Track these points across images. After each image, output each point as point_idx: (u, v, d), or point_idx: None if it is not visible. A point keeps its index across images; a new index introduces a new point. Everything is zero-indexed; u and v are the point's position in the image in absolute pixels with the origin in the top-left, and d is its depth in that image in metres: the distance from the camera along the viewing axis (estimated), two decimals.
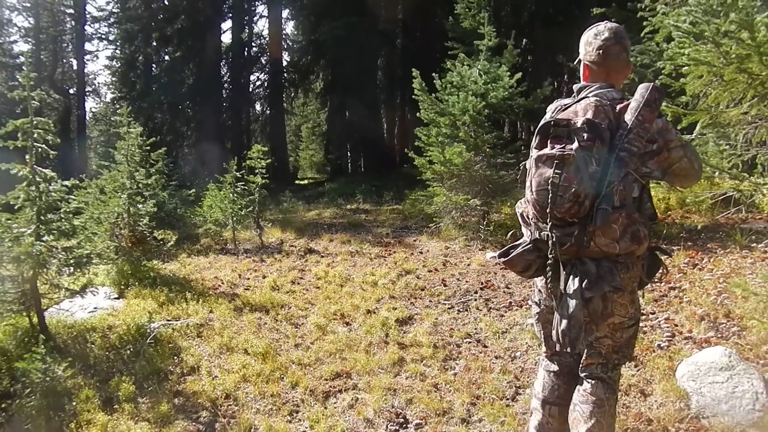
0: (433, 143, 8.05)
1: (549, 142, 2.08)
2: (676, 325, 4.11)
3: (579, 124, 2.03)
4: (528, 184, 2.13)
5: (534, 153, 2.11)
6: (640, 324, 4.15)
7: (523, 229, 2.31)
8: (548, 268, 2.15)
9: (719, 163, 4.94)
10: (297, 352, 4.45)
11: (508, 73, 7.72)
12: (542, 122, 2.14)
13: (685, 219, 6.15)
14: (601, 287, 2.10)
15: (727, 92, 4.84)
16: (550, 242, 2.11)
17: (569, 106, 2.17)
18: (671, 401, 3.18)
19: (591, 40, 2.29)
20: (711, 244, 5.45)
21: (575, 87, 2.31)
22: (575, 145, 2.01)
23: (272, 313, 5.36)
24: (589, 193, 2.00)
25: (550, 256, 2.13)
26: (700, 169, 2.18)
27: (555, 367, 2.48)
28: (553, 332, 2.19)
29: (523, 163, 2.55)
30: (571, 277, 2.12)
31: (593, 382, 2.30)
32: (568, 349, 2.20)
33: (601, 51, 2.24)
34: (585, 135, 2.01)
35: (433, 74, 8.36)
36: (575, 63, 2.41)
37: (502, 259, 2.28)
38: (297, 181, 25.62)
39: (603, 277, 2.10)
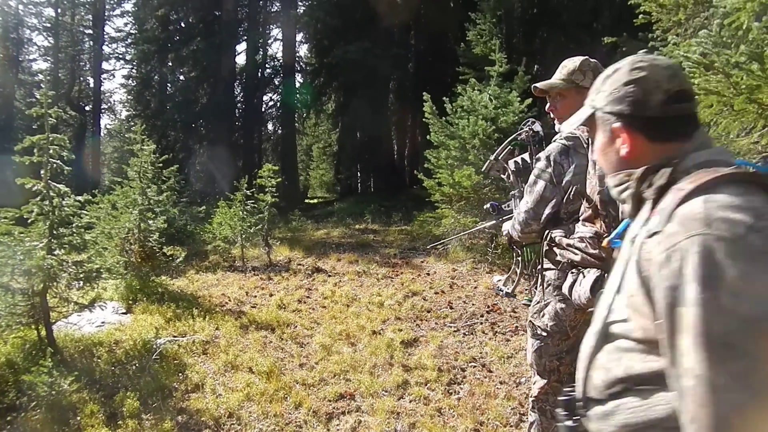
0: (443, 166, 8.10)
1: None
2: None
3: None
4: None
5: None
6: None
7: (573, 257, 2.18)
8: None
9: None
10: (301, 371, 4.44)
11: (519, 98, 7.79)
12: None
13: None
14: None
15: (737, 122, 4.86)
16: None
17: None
18: None
19: (602, 71, 2.34)
20: None
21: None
22: None
23: (278, 332, 5.36)
24: None
25: None
26: None
27: (549, 410, 2.43)
28: None
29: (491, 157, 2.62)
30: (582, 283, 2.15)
31: None
32: (566, 360, 2.23)
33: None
34: None
35: (444, 98, 8.45)
36: (568, 88, 2.41)
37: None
38: (307, 200, 25.73)
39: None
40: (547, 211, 2.31)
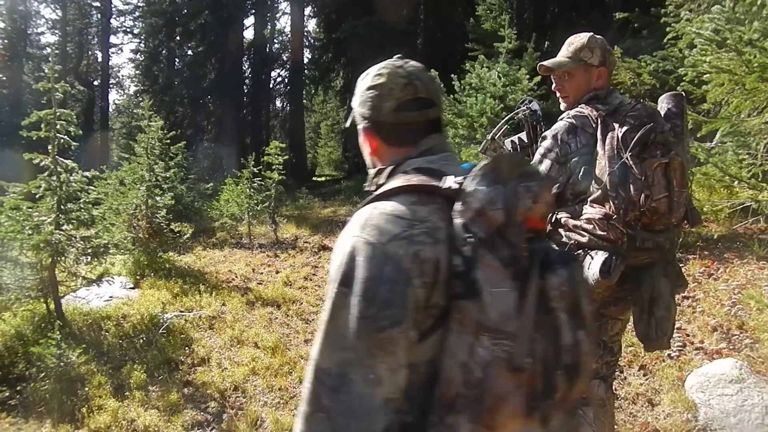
0: (450, 144, 8.06)
1: (649, 149, 2.03)
2: (688, 335, 4.07)
3: (666, 131, 2.06)
4: (640, 192, 1.99)
5: (635, 161, 2.01)
6: None
7: (580, 238, 2.15)
8: (655, 272, 2.11)
9: (738, 173, 4.89)
10: (306, 347, 4.48)
11: (527, 76, 7.69)
12: (643, 130, 2.02)
13: (702, 228, 6.07)
14: (685, 284, 2.25)
15: (748, 101, 4.78)
16: (660, 247, 2.10)
17: (628, 113, 2.10)
18: (679, 412, 3.16)
19: (609, 48, 2.32)
20: (728, 254, 5.38)
21: (600, 93, 2.26)
22: (676, 151, 2.05)
23: (284, 308, 5.41)
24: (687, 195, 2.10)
25: (656, 261, 2.12)
26: None
27: None
28: (646, 335, 2.13)
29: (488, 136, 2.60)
30: (663, 278, 2.12)
31: (596, 382, 2.30)
32: (665, 348, 2.26)
33: (614, 58, 2.32)
34: (674, 140, 2.07)
35: (452, 75, 8.36)
36: (565, 68, 2.35)
37: (606, 278, 2.04)
38: (314, 178, 25.73)
39: (683, 274, 2.25)
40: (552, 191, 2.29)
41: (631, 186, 2.02)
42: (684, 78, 5.00)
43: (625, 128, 2.05)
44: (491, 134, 2.76)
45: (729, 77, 4.47)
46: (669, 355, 3.81)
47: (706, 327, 4.10)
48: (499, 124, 2.77)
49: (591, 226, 2.11)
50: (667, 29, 6.03)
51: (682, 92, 2.21)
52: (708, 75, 4.68)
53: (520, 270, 0.98)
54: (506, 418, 0.96)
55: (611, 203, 2.06)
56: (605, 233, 2.08)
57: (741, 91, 4.66)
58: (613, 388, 2.42)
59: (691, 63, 4.81)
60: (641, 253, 2.10)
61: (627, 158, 2.02)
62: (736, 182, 5.01)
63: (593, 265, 2.10)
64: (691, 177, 2.27)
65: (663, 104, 2.16)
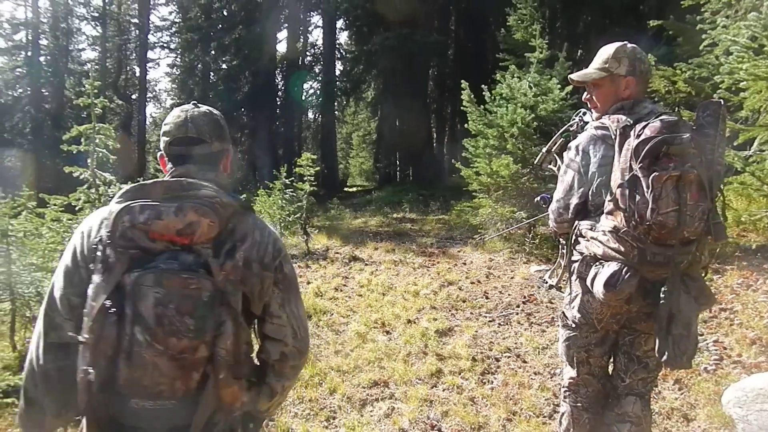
0: (481, 155, 8.02)
1: (660, 161, 2.00)
2: (725, 348, 3.97)
3: (685, 142, 1.99)
4: (647, 205, 1.97)
5: (644, 173, 1.99)
6: None
7: (596, 250, 2.17)
8: (671, 288, 2.04)
9: None
10: (337, 358, 4.51)
11: (559, 86, 7.63)
12: (653, 142, 1.99)
13: (741, 237, 5.91)
14: (712, 300, 2.17)
15: None
16: (676, 262, 2.04)
17: (648, 124, 2.05)
18: (715, 428, 3.07)
19: (640, 56, 2.28)
20: (767, 265, 5.23)
21: (626, 103, 2.25)
22: (692, 163, 1.98)
23: (314, 319, 5.45)
24: (710, 209, 2.02)
25: (674, 277, 2.05)
26: None
27: (581, 402, 2.42)
28: (665, 353, 2.07)
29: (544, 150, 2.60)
30: (684, 293, 2.07)
31: (632, 399, 2.27)
32: (686, 367, 2.15)
33: (646, 67, 2.29)
34: (694, 152, 2.00)
35: (483, 86, 8.34)
36: (595, 78, 2.34)
37: (612, 291, 2.08)
38: (346, 189, 25.91)
39: (710, 291, 2.17)
40: (575, 201, 2.27)
41: (638, 199, 2.00)
42: (720, 86, 4.90)
43: (640, 139, 2.01)
44: (547, 147, 2.77)
45: (766, 84, 4.37)
46: (705, 368, 3.72)
47: (744, 340, 3.98)
48: (554, 137, 2.77)
49: (606, 238, 2.12)
50: (703, 36, 5.92)
51: (721, 100, 2.16)
52: (745, 82, 4.58)
53: (109, 266, 1.31)
54: None
55: (621, 215, 2.06)
56: (616, 245, 2.09)
57: None
58: (650, 406, 2.36)
59: (727, 70, 4.72)
60: (654, 267, 2.07)
61: (636, 170, 2.00)
62: None
63: (599, 276, 2.12)
64: (722, 187, 2.17)
65: (699, 113, 2.12)
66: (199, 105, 1.66)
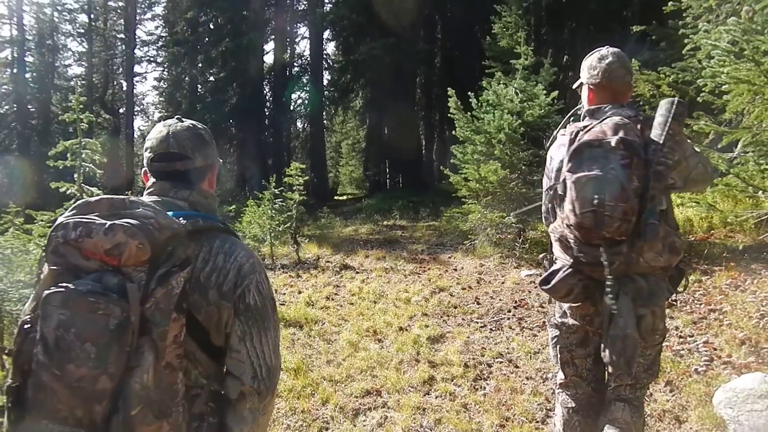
0: (469, 161, 8.06)
1: (584, 164, 2.07)
2: (715, 349, 3.99)
3: (614, 144, 2.02)
4: (569, 207, 2.08)
5: (570, 176, 2.09)
6: (678, 347, 4.07)
7: (559, 253, 2.29)
8: (608, 289, 2.09)
9: (762, 183, 4.82)
10: (329, 368, 4.50)
11: (545, 92, 7.70)
12: (575, 145, 2.10)
13: (728, 238, 5.97)
14: (655, 302, 2.14)
15: None
16: (603, 263, 2.07)
17: (591, 128, 2.13)
18: (707, 429, 3.09)
19: (595, 64, 2.31)
20: (755, 265, 5.27)
21: (584, 110, 2.35)
22: (615, 164, 2.01)
23: (306, 329, 5.43)
24: (635, 210, 2.01)
25: (608, 277, 2.08)
26: (713, 172, 2.24)
27: (572, 404, 2.43)
28: (605, 355, 2.13)
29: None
30: (622, 295, 2.09)
31: (621, 405, 2.27)
32: (624, 371, 2.16)
33: (606, 74, 2.27)
34: (622, 153, 2.01)
35: (470, 93, 8.40)
36: (575, 86, 2.46)
37: (545, 287, 2.26)
38: (336, 197, 25.90)
39: (655, 292, 2.13)
40: (548, 204, 2.41)
41: (566, 200, 2.10)
42: (703, 89, 4.97)
43: (573, 144, 2.11)
44: (557, 130, 2.78)
45: (748, 87, 4.44)
46: (696, 370, 3.75)
47: (733, 340, 4.02)
48: (564, 120, 2.78)
49: (554, 238, 2.28)
50: (686, 41, 6.00)
51: (676, 98, 2.16)
52: (727, 85, 4.64)
53: (39, 281, 1.31)
54: None
55: (557, 218, 2.22)
56: (559, 245, 2.25)
57: (761, 100, 4.61)
58: (642, 412, 2.35)
59: (709, 74, 4.78)
60: (590, 267, 2.14)
61: (565, 173, 2.11)
62: (760, 192, 4.93)
63: (543, 275, 2.29)
64: (664, 185, 2.16)
65: (657, 112, 2.17)
66: (183, 119, 1.62)
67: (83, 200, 1.35)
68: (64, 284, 1.20)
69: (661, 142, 2.06)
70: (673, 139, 2.07)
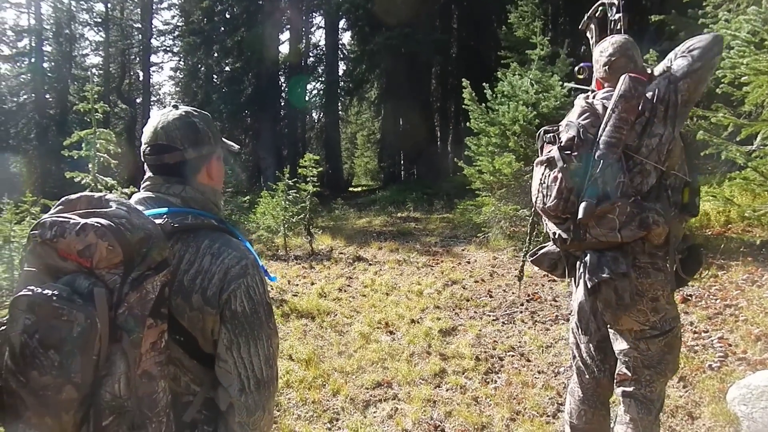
0: (483, 153, 8.00)
1: (542, 148, 2.30)
2: (730, 345, 3.94)
3: (563, 127, 2.24)
4: (536, 187, 2.32)
5: (536, 162, 2.33)
6: (693, 343, 4.02)
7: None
8: (566, 262, 2.41)
9: None
10: (340, 359, 4.51)
11: (561, 83, 7.60)
12: (540, 131, 2.37)
13: (745, 233, 5.87)
14: (599, 273, 2.14)
15: None
16: (559, 238, 2.29)
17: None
18: (720, 426, 3.06)
19: (597, 58, 2.40)
20: None
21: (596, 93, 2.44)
22: (558, 146, 2.19)
23: (318, 320, 5.46)
24: (573, 188, 2.11)
25: (565, 251, 2.37)
26: (712, 40, 2.19)
27: (579, 392, 2.46)
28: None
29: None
30: (579, 268, 2.29)
31: (627, 400, 2.26)
32: (582, 339, 2.37)
33: (607, 67, 2.34)
34: (564, 135, 2.20)
35: (485, 84, 8.32)
36: (584, 75, 2.61)
37: (531, 259, 2.53)
38: (351, 189, 25.90)
39: (604, 263, 2.15)
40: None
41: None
42: (722, 80, 4.87)
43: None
44: (588, 14, 2.75)
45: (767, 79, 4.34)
46: (710, 366, 3.70)
47: (749, 336, 3.96)
48: (594, 6, 2.73)
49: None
50: (705, 31, 5.88)
51: (632, 74, 2.16)
52: (746, 77, 4.55)
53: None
54: None
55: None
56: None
57: None
58: (653, 409, 2.27)
59: (729, 65, 4.68)
60: (557, 243, 2.34)
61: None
62: None
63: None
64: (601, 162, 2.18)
65: None
66: (179, 106, 1.51)
67: (66, 197, 1.28)
68: (31, 287, 1.13)
69: (605, 120, 2.14)
70: (619, 116, 2.11)
